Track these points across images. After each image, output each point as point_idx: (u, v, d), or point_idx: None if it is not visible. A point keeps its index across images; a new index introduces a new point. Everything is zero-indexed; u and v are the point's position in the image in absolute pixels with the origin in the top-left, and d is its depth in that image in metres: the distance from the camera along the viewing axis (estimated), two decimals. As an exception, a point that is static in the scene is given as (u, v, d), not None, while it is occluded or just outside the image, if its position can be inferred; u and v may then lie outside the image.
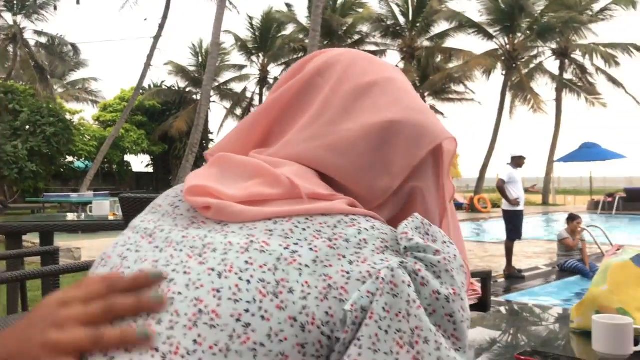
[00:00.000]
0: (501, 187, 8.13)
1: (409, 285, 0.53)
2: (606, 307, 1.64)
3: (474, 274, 4.60)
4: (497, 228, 14.43)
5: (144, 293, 0.55)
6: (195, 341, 0.51)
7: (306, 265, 0.55)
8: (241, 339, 0.51)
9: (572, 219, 8.63)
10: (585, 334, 1.64)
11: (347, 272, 0.54)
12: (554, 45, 27.40)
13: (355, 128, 0.67)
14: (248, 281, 0.53)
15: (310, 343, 0.52)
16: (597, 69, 27.44)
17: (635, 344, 1.50)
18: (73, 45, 29.40)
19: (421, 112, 0.70)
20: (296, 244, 0.57)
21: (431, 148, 0.68)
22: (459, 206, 23.38)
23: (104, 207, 4.95)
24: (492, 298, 5.81)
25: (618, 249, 1.78)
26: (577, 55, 27.75)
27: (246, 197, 0.62)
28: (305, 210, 0.60)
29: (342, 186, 0.67)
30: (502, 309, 2.54)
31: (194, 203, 0.63)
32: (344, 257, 0.56)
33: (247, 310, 0.52)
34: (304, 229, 0.58)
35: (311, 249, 0.56)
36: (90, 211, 5.09)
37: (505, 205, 8.32)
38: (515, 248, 8.45)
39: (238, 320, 0.51)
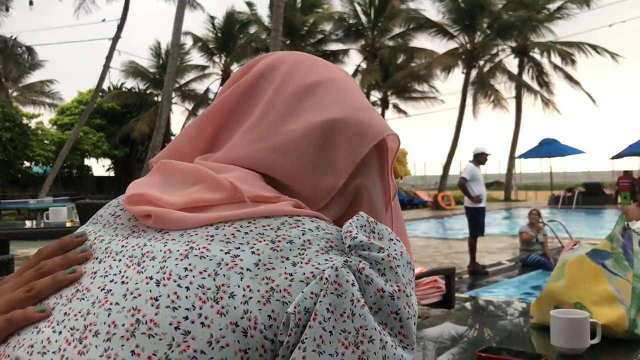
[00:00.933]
0: (463, 184, 8.23)
1: (352, 284, 0.52)
2: (564, 301, 1.67)
3: (437, 272, 4.64)
4: (461, 225, 14.65)
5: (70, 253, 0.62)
6: (133, 352, 0.50)
7: (248, 269, 0.54)
8: (181, 347, 0.50)
9: (530, 212, 8.86)
10: (544, 329, 1.66)
11: (290, 274, 0.54)
12: (513, 44, 27.95)
13: (298, 128, 0.66)
14: (187, 288, 0.52)
15: (253, 348, 0.51)
16: (555, 66, 28.09)
17: (592, 338, 1.53)
18: (28, 48, 28.67)
19: (363, 110, 0.69)
20: (238, 248, 0.56)
21: (374, 144, 0.67)
22: (423, 204, 23.65)
23: (61, 213, 4.84)
24: (457, 294, 5.89)
25: (574, 245, 1.81)
26: (535, 53, 28.35)
27: (187, 203, 0.61)
28: (248, 213, 0.59)
29: (287, 188, 0.66)
30: (466, 306, 2.57)
31: (133, 212, 0.62)
32: (287, 259, 0.55)
33: (186, 318, 0.51)
34: (247, 233, 0.57)
35: (253, 252, 0.55)
36: (47, 218, 4.96)
37: (467, 202, 8.43)
38: (478, 244, 8.58)
39: (177, 328, 0.50)
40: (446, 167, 26.78)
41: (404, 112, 32.05)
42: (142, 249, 0.58)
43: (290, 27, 27.60)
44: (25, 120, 23.65)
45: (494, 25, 26.14)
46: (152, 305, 0.52)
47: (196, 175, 0.65)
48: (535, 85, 28.50)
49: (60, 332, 0.54)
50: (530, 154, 25.31)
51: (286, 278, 0.53)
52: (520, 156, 26.39)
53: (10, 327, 0.58)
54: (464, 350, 1.64)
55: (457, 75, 27.08)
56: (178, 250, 0.56)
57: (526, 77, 28.70)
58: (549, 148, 24.17)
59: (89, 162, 28.53)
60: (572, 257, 1.71)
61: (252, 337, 0.51)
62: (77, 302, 0.56)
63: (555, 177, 32.24)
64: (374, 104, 30.70)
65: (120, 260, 0.58)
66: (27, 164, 23.55)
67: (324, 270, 0.53)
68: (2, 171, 20.98)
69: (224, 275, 0.53)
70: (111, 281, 0.56)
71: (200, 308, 0.51)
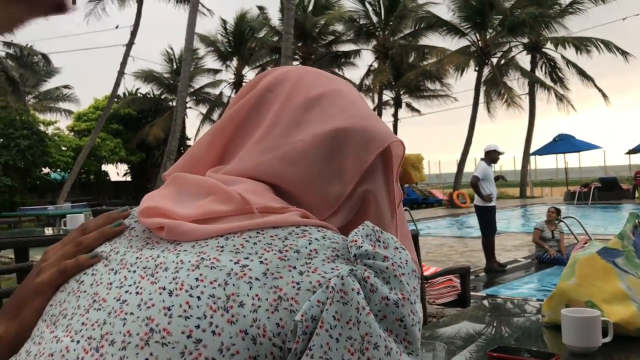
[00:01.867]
0: (475, 183, 8.15)
1: (358, 293, 0.54)
2: (575, 300, 1.67)
3: (452, 271, 4.63)
4: (476, 222, 14.56)
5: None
6: None
7: (256, 279, 0.56)
8: (193, 355, 0.52)
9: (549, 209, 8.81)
10: (556, 328, 1.66)
11: (298, 283, 0.55)
12: (525, 40, 27.72)
13: (306, 138, 0.69)
14: (198, 297, 0.54)
15: (262, 355, 0.52)
16: (568, 62, 27.80)
17: (604, 336, 1.54)
18: (44, 55, 28.98)
19: (368, 119, 0.72)
20: (247, 258, 0.58)
21: (379, 151, 0.70)
22: (438, 202, 23.54)
23: (79, 220, 4.90)
24: (473, 293, 5.87)
25: (585, 243, 1.81)
26: (548, 48, 28.09)
27: (199, 215, 0.63)
28: (256, 224, 0.61)
29: (295, 198, 0.69)
30: (481, 305, 2.57)
31: (147, 224, 0.65)
32: (294, 268, 0.57)
33: (197, 327, 0.53)
34: (255, 243, 0.59)
35: (261, 262, 0.57)
36: (65, 225, 5.03)
37: (477, 201, 8.34)
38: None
39: (189, 336, 0.52)
40: (460, 165, 26.63)
41: (417, 111, 31.95)
42: (155, 260, 0.60)
43: (302, 29, 27.61)
44: (42, 127, 23.90)
45: (505, 22, 25.94)
46: (165, 315, 0.54)
47: (207, 188, 0.67)
48: (548, 81, 28.25)
49: (78, 342, 0.56)
50: (545, 150, 25.09)
51: (293, 287, 0.55)
52: (535, 153, 26.17)
53: (63, 276, 0.66)
54: (477, 349, 1.65)
55: (470, 72, 26.98)
56: (189, 261, 0.58)
57: (539, 74, 28.46)
58: (563, 144, 23.94)
59: (106, 167, 28.76)
60: (582, 255, 1.72)
61: (261, 344, 0.53)
62: (94, 313, 0.58)
63: (571, 172, 31.90)
64: (386, 103, 30.64)
65: (134, 271, 0.60)
66: (45, 170, 23.78)
67: (330, 279, 0.55)
68: (21, 178, 21.22)
69: (234, 285, 0.55)
70: (126, 292, 0.58)
71: (211, 317, 0.53)
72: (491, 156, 8.29)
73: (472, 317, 2.12)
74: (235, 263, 0.57)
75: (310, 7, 30.02)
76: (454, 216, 18.82)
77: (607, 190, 21.80)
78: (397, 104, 30.83)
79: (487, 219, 8.29)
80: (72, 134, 27.86)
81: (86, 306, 0.59)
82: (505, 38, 27.23)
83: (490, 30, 27.15)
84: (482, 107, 27.63)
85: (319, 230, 0.62)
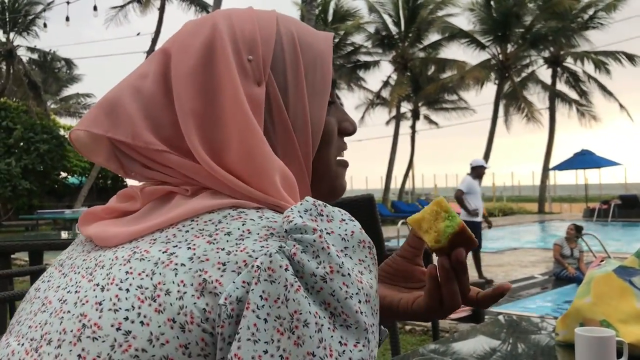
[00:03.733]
0: (459, 197, 8.15)
1: (286, 269, 0.52)
2: (590, 319, 1.63)
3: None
4: (493, 236, 14.44)
5: None
6: (79, 355, 0.52)
7: (182, 264, 0.55)
8: (123, 347, 0.52)
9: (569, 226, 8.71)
10: (570, 347, 1.62)
11: (224, 264, 0.54)
12: (546, 54, 27.58)
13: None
14: (127, 290, 0.55)
15: (193, 342, 0.52)
16: (589, 77, 27.60)
17: (619, 357, 1.49)
18: (66, 61, 29.45)
19: None
20: (175, 246, 0.57)
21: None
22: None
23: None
24: (488, 309, 5.81)
25: (602, 261, 1.77)
26: (569, 63, 27.93)
27: (117, 216, 0.67)
28: (190, 210, 0.60)
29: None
30: (495, 321, 2.53)
31: (83, 234, 0.67)
32: (222, 249, 0.55)
33: (126, 318, 0.53)
34: (187, 231, 0.59)
35: (189, 248, 0.56)
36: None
37: (462, 216, 8.28)
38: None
39: (118, 329, 0.52)
40: (478, 178, 26.47)
41: (435, 123, 31.87)
42: (96, 260, 0.61)
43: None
44: (62, 132, 24.23)
45: (527, 35, 25.84)
46: (97, 310, 0.54)
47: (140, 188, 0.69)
48: (571, 94, 28.06)
49: (22, 344, 0.57)
50: (565, 165, 24.85)
51: (219, 268, 0.54)
52: (555, 168, 25.93)
53: None
54: (488, 367, 1.62)
55: (490, 85, 26.96)
56: (122, 256, 0.58)
57: (562, 87, 28.28)
58: (583, 159, 23.68)
59: (123, 173, 29.05)
60: (598, 273, 1.68)
61: (190, 331, 0.52)
62: (40, 315, 0.59)
63: (591, 189, 31.56)
64: (403, 115, 30.57)
65: (79, 272, 0.61)
66: (63, 174, 24.08)
67: (256, 258, 0.53)
68: (40, 182, 21.50)
69: (160, 274, 0.54)
70: (68, 292, 0.59)
71: (139, 308, 0.53)
72: (478, 171, 8.31)
73: (486, 333, 2.08)
74: (163, 252, 0.57)
75: (330, 18, 30.15)
76: (470, 230, 18.65)
77: (627, 207, 21.51)
78: (415, 116, 30.77)
79: (475, 233, 8.23)
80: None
81: (35, 310, 0.61)
82: (527, 52, 27.11)
83: (512, 44, 27.05)
84: (500, 120, 27.51)
85: (257, 211, 0.60)
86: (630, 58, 26.39)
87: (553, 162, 27.05)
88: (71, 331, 0.54)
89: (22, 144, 20.93)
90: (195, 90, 0.64)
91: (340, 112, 0.76)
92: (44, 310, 0.59)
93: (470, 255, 8.84)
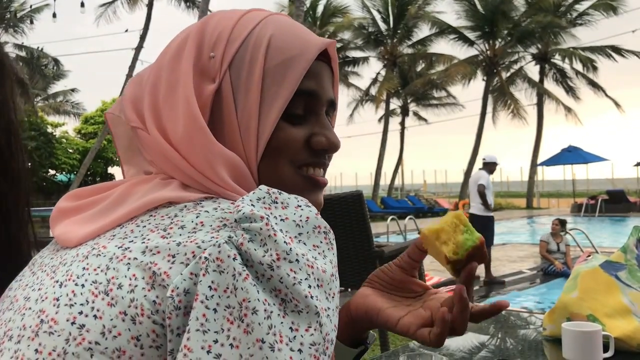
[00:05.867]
0: (482, 192, 8.17)
1: (234, 259, 0.53)
2: (577, 314, 1.65)
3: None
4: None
5: None
6: (36, 350, 0.54)
7: (134, 258, 0.56)
8: (77, 341, 0.53)
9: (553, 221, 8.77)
10: (557, 341, 1.64)
11: (173, 256, 0.55)
12: (534, 50, 27.70)
13: None
14: (82, 285, 0.56)
15: (144, 335, 0.53)
16: (577, 72, 27.76)
17: (605, 351, 1.51)
18: (54, 59, 29.19)
19: None
20: (131, 241, 0.58)
21: None
22: (444, 212, 23.46)
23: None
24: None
25: (588, 256, 1.79)
26: (557, 59, 28.07)
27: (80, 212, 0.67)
28: (147, 203, 0.62)
29: None
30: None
31: (51, 232, 0.68)
32: (174, 241, 0.56)
33: (81, 312, 0.54)
34: (145, 226, 0.60)
35: (143, 242, 0.57)
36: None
37: (478, 211, 8.31)
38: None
39: (73, 323, 0.54)
40: (467, 174, 26.56)
41: (424, 119, 31.93)
42: (61, 258, 0.62)
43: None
44: (50, 129, 24.05)
45: (514, 31, 25.93)
46: (54, 306, 0.55)
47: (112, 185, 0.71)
48: (558, 91, 28.22)
49: None
50: (552, 161, 25.00)
51: (169, 260, 0.55)
52: (542, 163, 26.08)
53: None
54: (476, 362, 1.63)
55: (478, 82, 27.05)
56: (82, 253, 0.60)
57: (549, 83, 28.42)
58: (571, 155, 23.83)
59: (113, 170, 28.90)
60: (585, 268, 1.69)
61: (140, 324, 0.53)
62: (7, 313, 0.60)
63: (578, 184, 31.80)
64: (393, 111, 30.62)
65: (45, 271, 0.62)
66: (51, 172, 23.90)
67: (205, 249, 0.54)
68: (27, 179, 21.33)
69: (114, 269, 0.56)
70: (32, 290, 0.60)
71: (93, 302, 0.54)
72: (490, 167, 8.36)
73: (474, 329, 2.10)
74: (119, 248, 0.58)
75: (319, 15, 30.07)
76: (459, 226, 18.72)
77: (614, 202, 21.71)
78: (405, 112, 30.81)
79: (490, 227, 8.31)
80: (79, 136, 28.00)
81: (4, 309, 0.62)
82: (514, 48, 27.21)
83: (500, 40, 27.14)
84: (489, 116, 27.61)
85: (213, 202, 0.61)
86: (618, 51, 26.56)
87: (541, 158, 27.21)
88: (30, 327, 0.55)
89: (9, 141, 20.72)
90: (160, 82, 0.69)
91: (319, 126, 0.72)
92: (11, 308, 0.60)
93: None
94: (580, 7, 27.03)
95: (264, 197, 0.58)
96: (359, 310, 0.82)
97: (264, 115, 0.67)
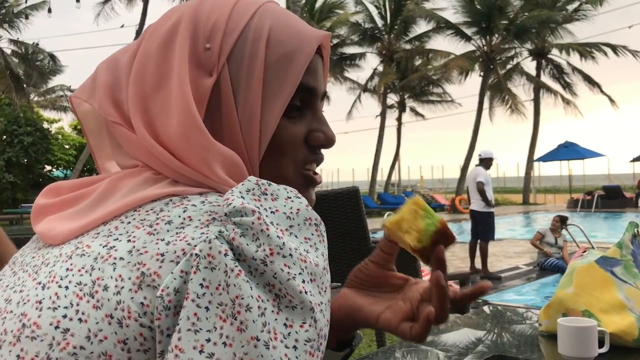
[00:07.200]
0: (482, 189, 8.21)
1: (225, 255, 0.51)
2: (572, 309, 1.65)
3: (452, 277, 4.60)
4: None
5: None
6: (18, 356, 0.52)
7: (121, 258, 0.54)
8: (61, 346, 0.51)
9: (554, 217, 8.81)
10: (552, 337, 1.64)
11: (162, 255, 0.53)
12: (530, 46, 27.70)
13: None
14: (66, 287, 0.54)
15: (132, 338, 0.51)
16: (574, 69, 27.78)
17: (600, 346, 1.52)
18: (50, 54, 29.07)
19: None
20: (116, 239, 0.56)
21: None
22: (440, 207, 23.49)
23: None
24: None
25: (584, 251, 1.79)
26: (553, 55, 28.10)
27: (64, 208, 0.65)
28: (133, 200, 0.59)
29: None
30: (480, 312, 2.55)
31: (33, 229, 0.65)
32: (162, 240, 0.54)
33: (65, 316, 0.52)
34: (129, 222, 0.57)
35: (129, 240, 0.55)
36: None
37: (478, 207, 8.36)
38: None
39: (57, 327, 0.52)
40: (464, 170, 26.57)
41: (421, 115, 31.92)
42: (43, 257, 0.60)
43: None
44: (46, 125, 23.97)
45: (511, 27, 25.92)
46: (37, 309, 0.53)
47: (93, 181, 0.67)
48: (555, 86, 28.25)
49: None
50: (549, 157, 25.06)
51: (157, 260, 0.52)
52: (539, 159, 26.14)
53: None
54: (473, 357, 1.63)
55: (475, 78, 27.08)
56: (66, 253, 0.57)
57: (546, 79, 28.45)
58: (567, 151, 23.90)
59: (109, 166, 28.82)
60: (580, 264, 1.70)
61: (127, 327, 0.51)
62: None
63: (575, 180, 31.87)
64: (390, 107, 30.62)
65: (26, 271, 0.60)
66: (48, 167, 23.83)
67: (195, 246, 0.52)
68: (24, 175, 21.26)
69: (99, 269, 0.53)
70: (14, 291, 0.58)
71: (78, 305, 0.52)
72: (487, 163, 8.39)
73: (471, 324, 2.10)
74: (104, 247, 0.55)
75: (316, 11, 30.01)
76: (455, 221, 18.75)
77: (610, 198, 21.76)
78: (402, 107, 30.80)
79: (490, 223, 8.33)
80: (76, 132, 27.93)
81: None
82: (511, 44, 27.21)
83: (496, 36, 27.13)
84: (485, 112, 27.62)
85: (200, 196, 0.58)
86: (614, 49, 26.59)
87: (538, 154, 27.26)
88: (11, 331, 0.53)
89: (5, 136, 20.66)
90: (148, 72, 0.64)
91: (316, 121, 0.70)
92: None
93: (467, 247, 8.89)
94: (576, 1, 27.01)
95: (253, 189, 0.56)
96: (340, 312, 0.79)
97: (266, 111, 0.64)
